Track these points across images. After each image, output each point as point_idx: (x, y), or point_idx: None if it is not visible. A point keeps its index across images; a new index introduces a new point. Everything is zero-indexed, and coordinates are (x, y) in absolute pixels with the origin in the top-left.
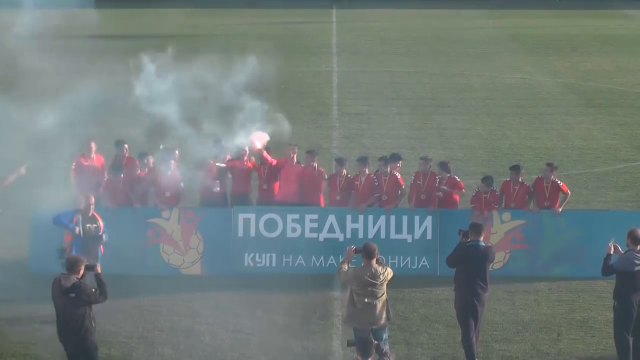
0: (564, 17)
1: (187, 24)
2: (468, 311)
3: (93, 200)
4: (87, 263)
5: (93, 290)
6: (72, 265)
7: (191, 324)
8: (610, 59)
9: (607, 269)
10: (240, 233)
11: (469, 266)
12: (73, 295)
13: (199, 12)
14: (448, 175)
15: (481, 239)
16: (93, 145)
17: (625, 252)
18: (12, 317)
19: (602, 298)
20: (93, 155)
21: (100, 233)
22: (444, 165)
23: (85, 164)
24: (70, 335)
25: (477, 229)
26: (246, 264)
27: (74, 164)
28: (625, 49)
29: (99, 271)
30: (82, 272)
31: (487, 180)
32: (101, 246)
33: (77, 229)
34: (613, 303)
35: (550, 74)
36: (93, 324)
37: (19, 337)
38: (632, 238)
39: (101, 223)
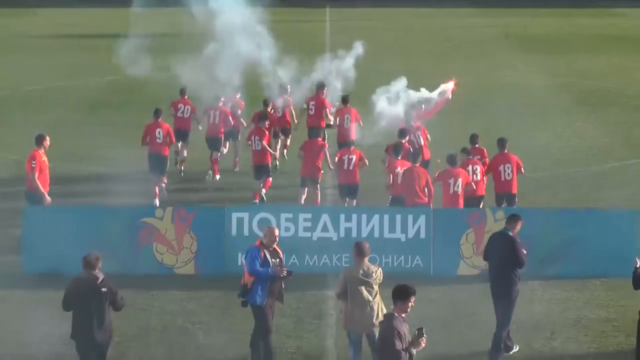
0: (559, 16)
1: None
2: (492, 300)
3: (278, 232)
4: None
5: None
6: (92, 263)
7: (185, 323)
8: (605, 58)
9: (637, 282)
10: (234, 232)
11: (493, 254)
12: (105, 290)
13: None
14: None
15: (513, 229)
16: (48, 139)
17: None
18: (9, 318)
19: (595, 297)
20: (44, 149)
21: (286, 269)
22: (451, 158)
23: (43, 159)
24: (95, 331)
25: (510, 218)
26: (239, 263)
27: (33, 161)
28: (620, 47)
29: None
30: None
31: (450, 158)
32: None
33: (278, 271)
34: (639, 317)
35: (545, 72)
36: (110, 318)
37: (16, 337)
38: None
39: (282, 255)
